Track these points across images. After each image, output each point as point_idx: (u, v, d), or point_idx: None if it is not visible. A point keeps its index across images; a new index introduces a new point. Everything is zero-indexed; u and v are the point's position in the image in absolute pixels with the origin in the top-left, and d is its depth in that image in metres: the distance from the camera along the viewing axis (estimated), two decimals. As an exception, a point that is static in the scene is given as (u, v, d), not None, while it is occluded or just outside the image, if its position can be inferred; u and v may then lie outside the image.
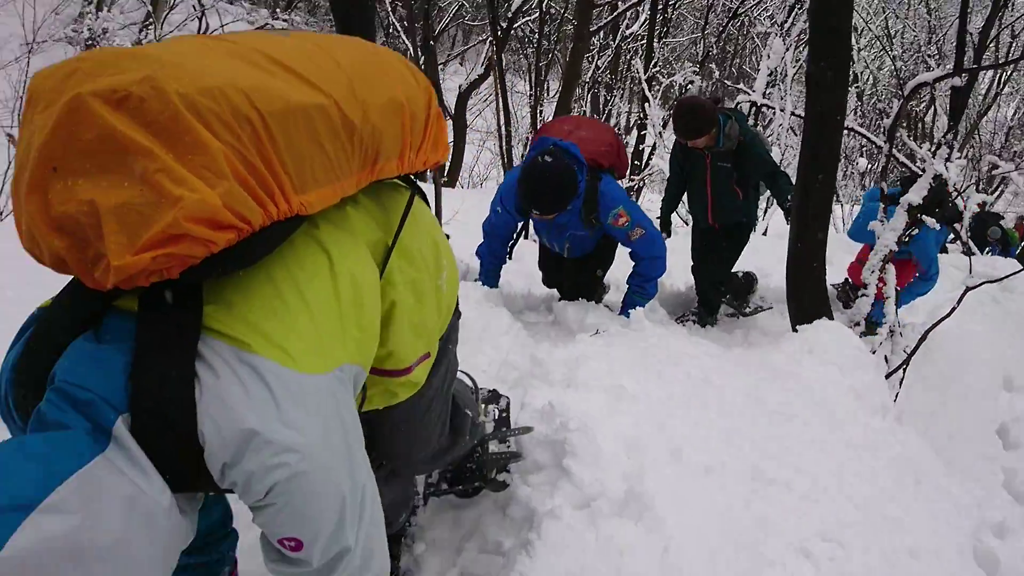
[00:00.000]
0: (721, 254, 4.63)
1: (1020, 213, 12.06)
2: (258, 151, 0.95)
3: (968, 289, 4.01)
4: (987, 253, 9.55)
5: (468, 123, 15.51)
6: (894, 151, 4.39)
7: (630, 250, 3.75)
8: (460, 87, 14.54)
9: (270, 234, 0.98)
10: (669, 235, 4.79)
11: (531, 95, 15.34)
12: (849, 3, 3.53)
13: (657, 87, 12.27)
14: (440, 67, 19.06)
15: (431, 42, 13.80)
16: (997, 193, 15.81)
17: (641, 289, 3.76)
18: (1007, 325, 6.64)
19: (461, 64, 22.89)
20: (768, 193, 6.06)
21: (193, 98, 0.88)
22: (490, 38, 11.19)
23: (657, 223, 4.51)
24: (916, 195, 4.06)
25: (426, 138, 1.33)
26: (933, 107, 15.91)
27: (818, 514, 2.24)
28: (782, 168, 4.78)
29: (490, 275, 3.96)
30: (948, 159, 4.13)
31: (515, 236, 3.97)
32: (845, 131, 4.40)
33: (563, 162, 3.31)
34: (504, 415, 2.40)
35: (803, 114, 3.93)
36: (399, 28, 13.97)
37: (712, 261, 4.66)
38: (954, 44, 4.52)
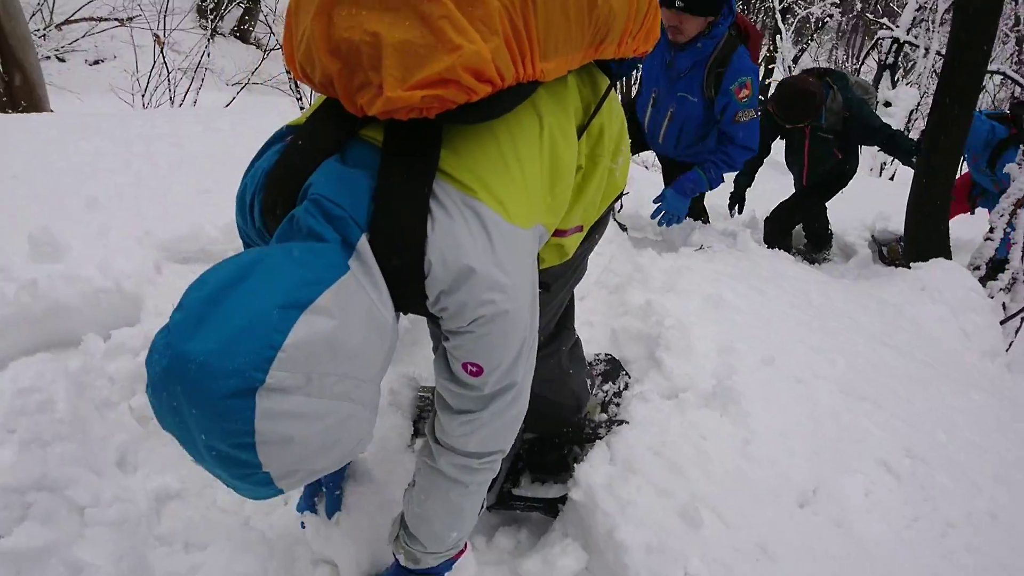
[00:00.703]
0: (817, 194, 4.60)
1: None
2: (522, 14, 1.02)
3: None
4: None
5: None
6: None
7: (724, 132, 3.42)
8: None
9: (513, 94, 1.06)
10: (741, 211, 4.64)
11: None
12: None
13: (791, 19, 11.68)
14: None
15: None
16: None
17: (718, 165, 3.44)
18: None
19: None
20: None
21: None
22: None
23: (728, 198, 4.59)
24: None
25: (643, 27, 1.37)
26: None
27: (906, 433, 2.27)
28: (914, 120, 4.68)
29: None
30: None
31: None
32: (995, 75, 4.18)
33: None
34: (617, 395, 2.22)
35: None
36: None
37: (809, 201, 4.64)
38: None
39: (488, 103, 1.02)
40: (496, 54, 0.98)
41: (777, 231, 4.58)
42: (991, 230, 3.86)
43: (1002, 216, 3.82)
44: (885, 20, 9.33)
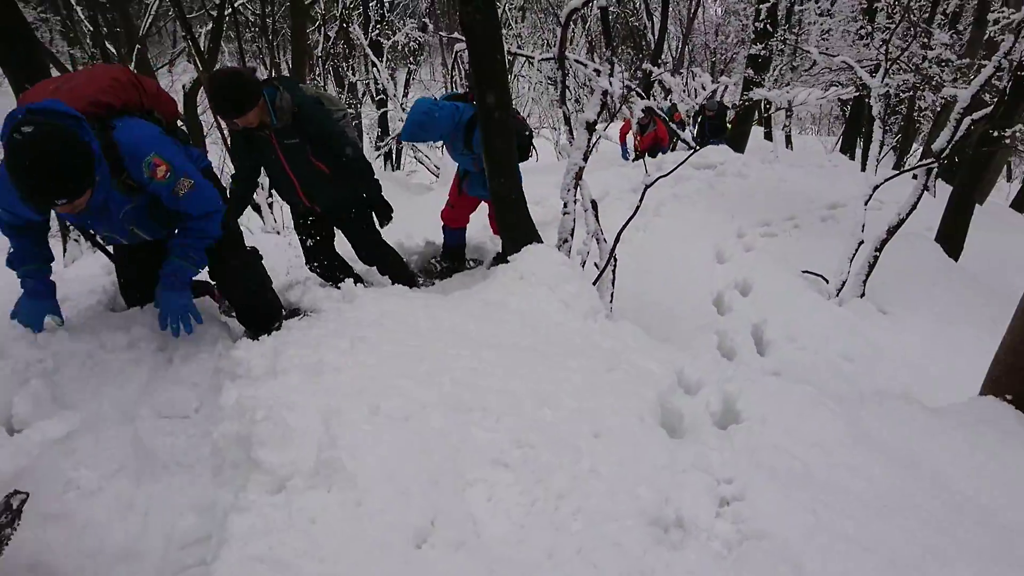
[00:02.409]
0: (359, 238, 4.39)
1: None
2: None
3: (647, 187, 4.46)
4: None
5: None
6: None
7: (177, 210, 2.84)
8: (184, 86, 13.68)
9: None
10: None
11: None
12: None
13: (387, 46, 12.25)
14: (168, 67, 17.79)
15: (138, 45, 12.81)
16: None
17: (188, 256, 2.92)
18: (721, 204, 7.47)
19: (188, 61, 21.45)
20: None
21: None
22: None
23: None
24: (591, 112, 4.43)
25: None
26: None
27: (512, 424, 2.47)
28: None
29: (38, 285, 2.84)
30: (611, 74, 4.51)
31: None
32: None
33: (50, 125, 2.28)
34: None
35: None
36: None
37: (360, 247, 4.43)
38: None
39: None
40: None
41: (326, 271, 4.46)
42: (565, 205, 4.37)
43: (568, 191, 4.34)
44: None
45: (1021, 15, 5.11)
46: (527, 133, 4.84)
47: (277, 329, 3.14)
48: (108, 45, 11.97)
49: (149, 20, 17.98)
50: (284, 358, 2.67)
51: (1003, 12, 5.90)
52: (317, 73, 18.20)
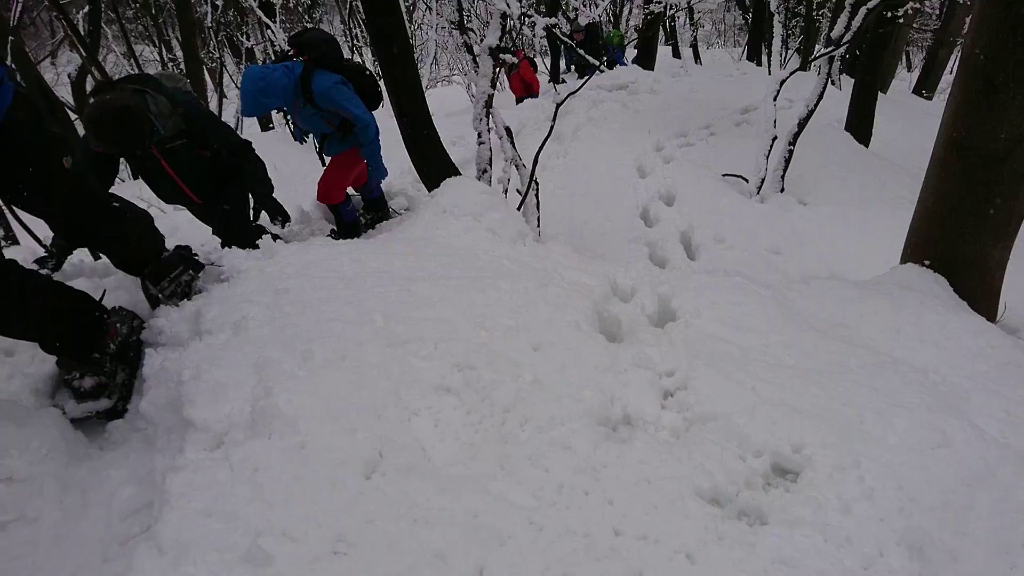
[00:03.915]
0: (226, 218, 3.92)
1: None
2: None
3: (558, 106, 4.41)
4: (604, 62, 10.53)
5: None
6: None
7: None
8: (70, 75, 12.94)
9: None
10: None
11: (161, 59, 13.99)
12: None
13: (277, 5, 11.76)
14: (50, 59, 16.81)
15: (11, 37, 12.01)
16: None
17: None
18: (637, 122, 7.48)
19: (72, 50, 20.31)
20: None
21: None
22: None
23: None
24: (492, 38, 4.33)
25: None
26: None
27: (450, 351, 2.44)
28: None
29: None
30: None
31: None
32: None
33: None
34: None
35: None
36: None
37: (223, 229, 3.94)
38: None
39: None
40: None
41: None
42: (479, 135, 4.30)
43: (480, 120, 4.26)
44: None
45: None
46: (367, 73, 4.38)
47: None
48: (-23, 39, 11.12)
49: (18, 9, 16.89)
50: (207, 320, 2.57)
51: None
52: (211, 45, 17.45)
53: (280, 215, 4.11)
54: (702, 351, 2.67)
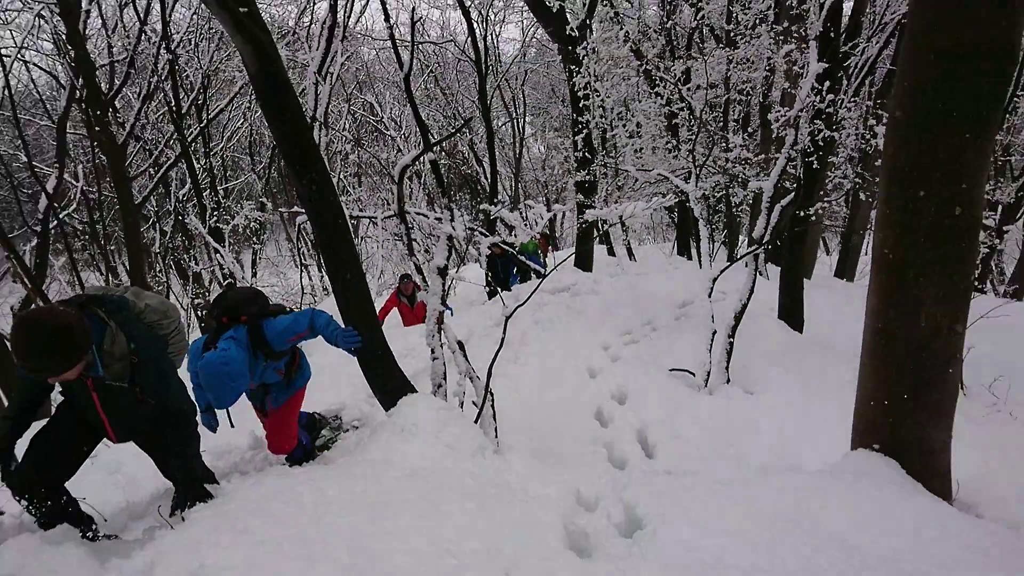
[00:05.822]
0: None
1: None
2: None
3: (507, 319, 4.60)
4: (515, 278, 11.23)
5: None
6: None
7: None
8: (12, 308, 12.93)
9: None
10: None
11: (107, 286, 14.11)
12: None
13: (227, 230, 12.21)
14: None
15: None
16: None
17: None
18: (582, 322, 7.77)
19: (15, 281, 20.44)
20: None
21: None
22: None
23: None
24: (440, 258, 4.59)
25: None
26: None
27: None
28: None
29: None
30: (452, 220, 4.72)
31: None
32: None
33: None
34: None
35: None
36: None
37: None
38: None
39: None
40: None
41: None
42: (432, 351, 4.40)
43: (433, 336, 4.38)
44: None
45: (794, 111, 5.86)
46: (288, 310, 4.30)
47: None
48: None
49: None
50: (161, 569, 2.45)
51: (779, 111, 6.75)
52: (157, 269, 17.78)
53: (192, 499, 3.23)
54: (673, 561, 2.64)
